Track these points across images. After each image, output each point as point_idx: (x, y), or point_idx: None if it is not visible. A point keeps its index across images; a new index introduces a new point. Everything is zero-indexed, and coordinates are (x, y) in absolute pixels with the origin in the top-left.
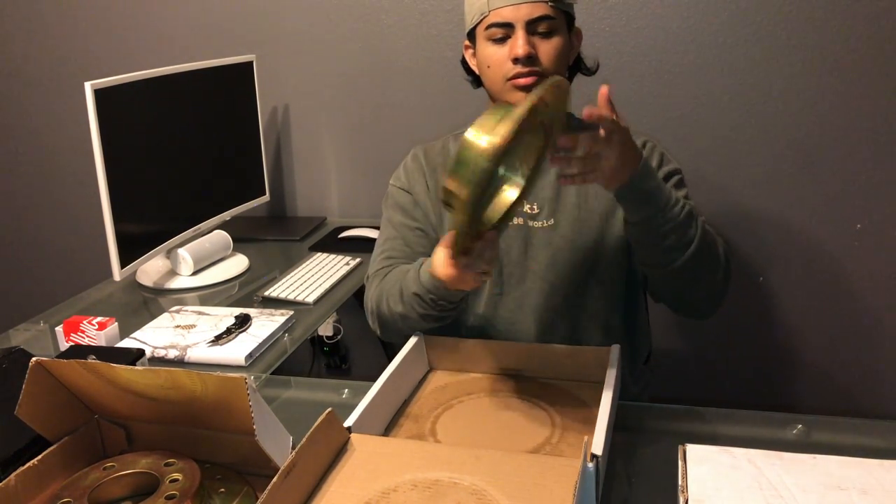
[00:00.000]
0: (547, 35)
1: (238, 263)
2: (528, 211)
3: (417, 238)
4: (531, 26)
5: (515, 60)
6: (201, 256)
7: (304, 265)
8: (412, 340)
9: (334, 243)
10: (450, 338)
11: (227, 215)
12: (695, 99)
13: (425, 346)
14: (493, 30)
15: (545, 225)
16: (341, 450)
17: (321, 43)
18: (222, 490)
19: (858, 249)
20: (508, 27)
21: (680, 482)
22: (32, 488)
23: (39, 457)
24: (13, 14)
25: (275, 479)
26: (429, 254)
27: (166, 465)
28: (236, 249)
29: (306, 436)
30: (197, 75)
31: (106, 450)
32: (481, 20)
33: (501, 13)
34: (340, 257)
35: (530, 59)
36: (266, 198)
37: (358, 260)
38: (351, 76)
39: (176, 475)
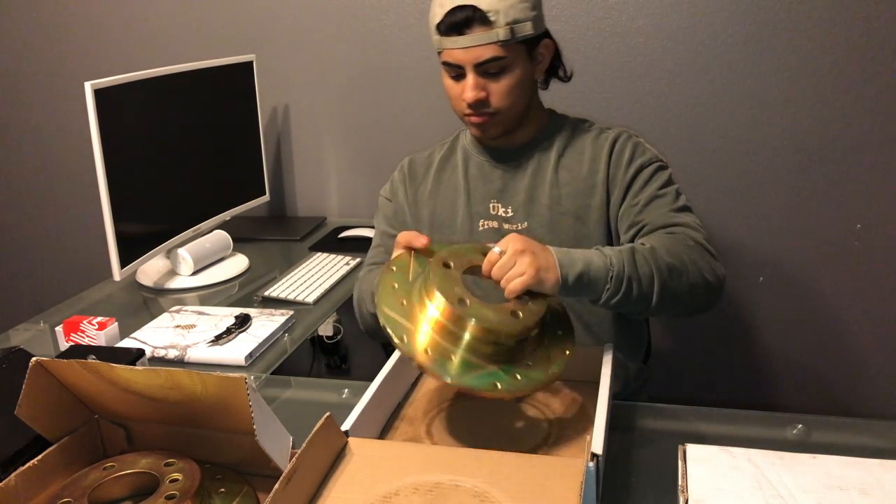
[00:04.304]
0: (498, 74)
1: (238, 263)
2: (503, 214)
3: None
4: (481, 67)
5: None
6: (201, 256)
7: (304, 265)
8: None
9: (334, 243)
10: None
11: (227, 215)
12: (695, 99)
13: None
14: (448, 67)
15: (519, 228)
16: (340, 454)
17: (321, 43)
18: (222, 490)
19: (858, 249)
20: (460, 67)
21: (680, 482)
22: (32, 488)
23: (39, 457)
24: (13, 14)
25: (276, 487)
26: None
27: (166, 465)
28: (236, 249)
29: (306, 441)
30: (197, 75)
31: (106, 450)
32: (439, 52)
33: (452, 54)
34: (340, 257)
35: (479, 104)
36: (266, 198)
37: (358, 260)
38: (351, 76)
39: (176, 475)
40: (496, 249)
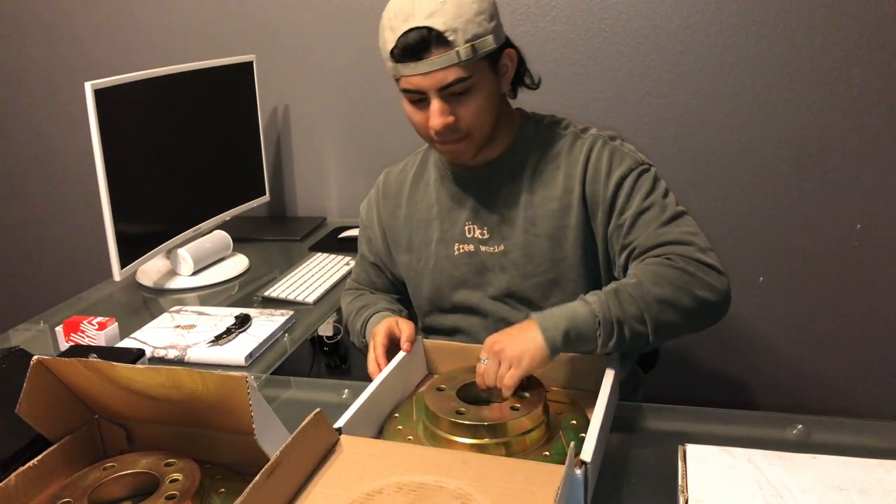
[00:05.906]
0: (464, 95)
1: (238, 263)
2: (479, 236)
3: (374, 270)
4: (445, 91)
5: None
6: (201, 256)
7: (304, 265)
8: None
9: (334, 243)
10: (451, 342)
11: (227, 215)
12: (694, 99)
13: (425, 349)
14: (408, 94)
15: (496, 250)
16: (329, 451)
17: (321, 43)
18: (222, 490)
19: (858, 249)
20: (422, 93)
21: (680, 482)
22: (32, 488)
23: (39, 457)
24: (13, 14)
25: (257, 478)
26: (384, 284)
27: (166, 465)
28: (236, 249)
29: (292, 435)
30: (197, 75)
31: (106, 450)
32: (396, 79)
33: (411, 81)
34: (340, 257)
35: (449, 129)
36: (266, 198)
37: None
38: (351, 76)
39: (176, 475)
40: (483, 360)
